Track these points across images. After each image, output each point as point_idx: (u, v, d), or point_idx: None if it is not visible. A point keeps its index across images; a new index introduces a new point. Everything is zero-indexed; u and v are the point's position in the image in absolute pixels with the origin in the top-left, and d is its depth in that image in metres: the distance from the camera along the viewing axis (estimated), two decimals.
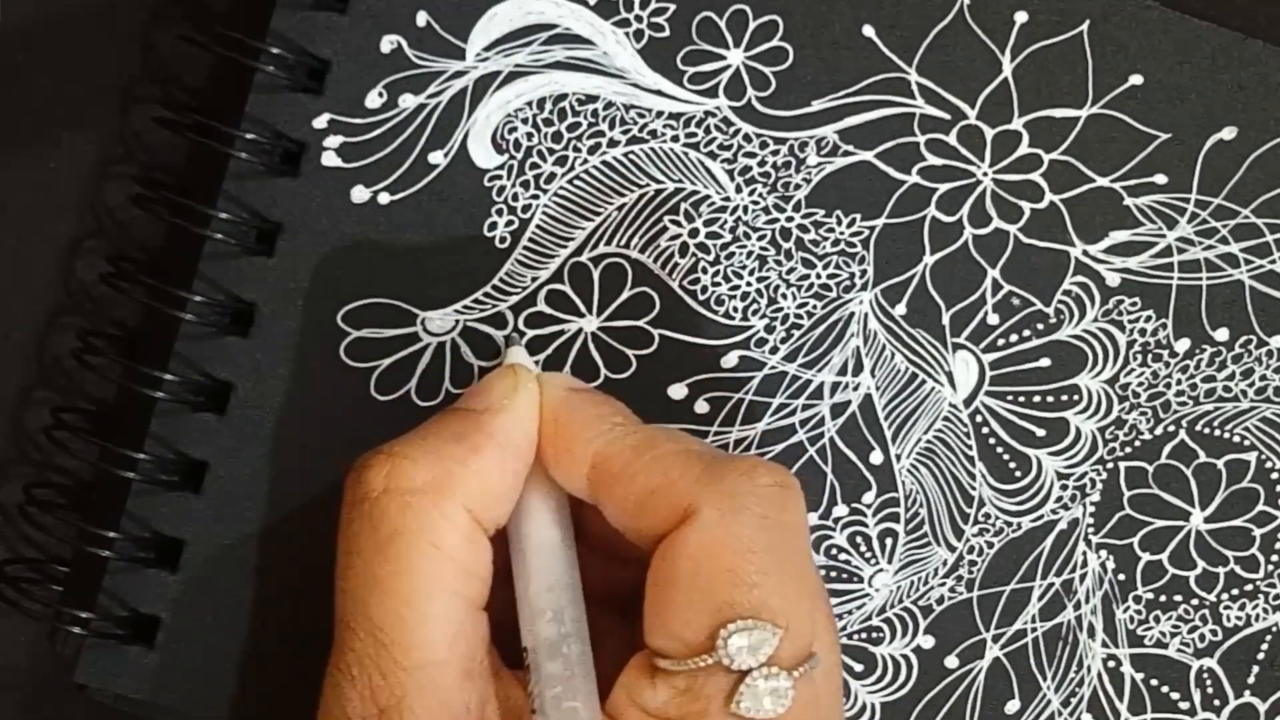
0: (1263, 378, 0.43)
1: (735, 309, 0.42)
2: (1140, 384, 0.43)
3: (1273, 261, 0.43)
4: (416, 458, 0.36)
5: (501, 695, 0.36)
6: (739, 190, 0.42)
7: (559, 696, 0.35)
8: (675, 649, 0.34)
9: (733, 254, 0.42)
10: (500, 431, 0.37)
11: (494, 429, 0.36)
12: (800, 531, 0.36)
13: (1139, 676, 0.43)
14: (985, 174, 0.42)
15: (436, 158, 0.41)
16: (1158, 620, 0.43)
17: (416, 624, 0.35)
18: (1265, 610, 0.43)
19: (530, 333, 0.41)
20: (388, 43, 0.41)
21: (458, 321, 0.41)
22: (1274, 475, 0.43)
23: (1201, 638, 0.43)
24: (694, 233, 0.42)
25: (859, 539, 0.43)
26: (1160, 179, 0.42)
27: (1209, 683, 0.44)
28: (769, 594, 0.34)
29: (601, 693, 0.36)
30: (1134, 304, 0.43)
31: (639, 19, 0.41)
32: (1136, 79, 0.42)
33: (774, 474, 0.35)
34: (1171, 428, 0.43)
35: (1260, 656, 0.44)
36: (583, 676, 0.36)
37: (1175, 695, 0.43)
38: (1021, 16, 0.42)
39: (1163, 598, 0.43)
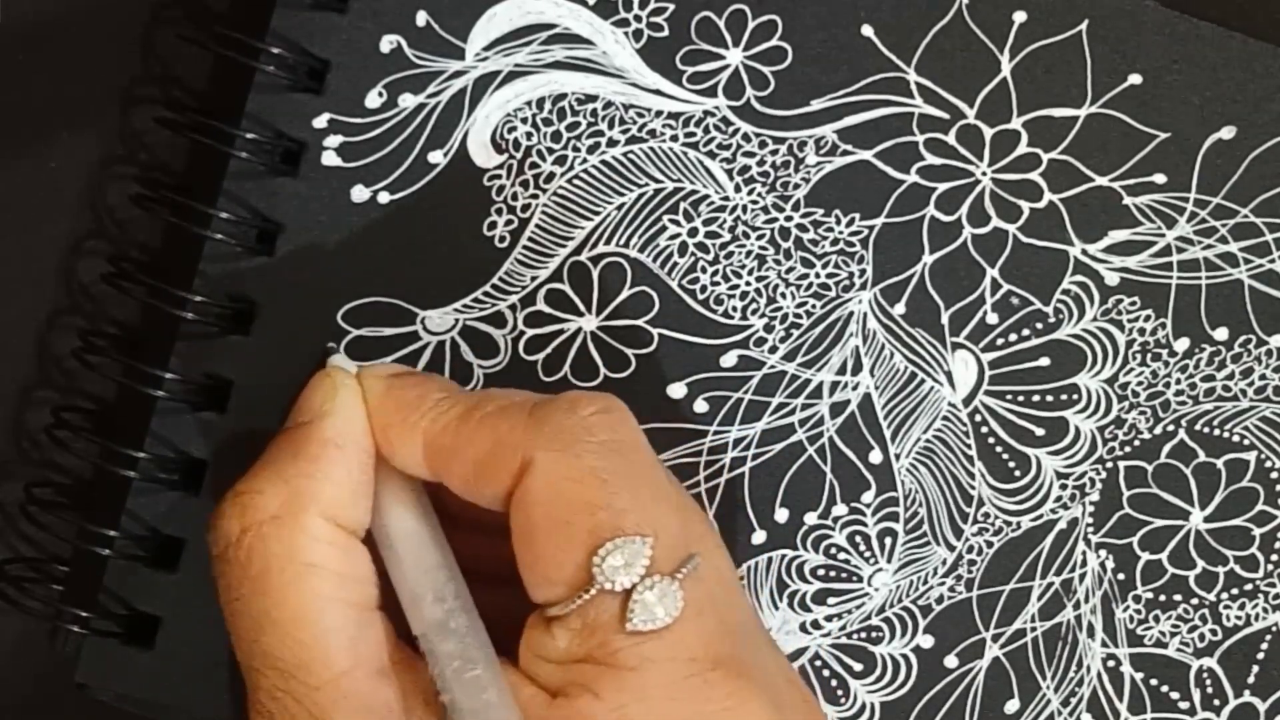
0: (1262, 377, 0.43)
1: (734, 308, 0.42)
2: (1140, 383, 0.43)
3: (1272, 261, 0.43)
4: (262, 488, 0.36)
5: (419, 685, 0.36)
6: (738, 190, 0.42)
7: (459, 670, 0.35)
8: (558, 593, 0.35)
9: (732, 253, 0.42)
10: (333, 434, 0.37)
11: (326, 434, 0.37)
12: (639, 447, 0.36)
13: (1139, 676, 0.43)
14: (984, 173, 0.42)
15: (436, 157, 0.41)
16: (1157, 620, 0.43)
17: (313, 643, 0.35)
18: (1265, 610, 0.43)
19: (530, 332, 0.42)
20: (387, 42, 0.41)
21: (457, 320, 0.41)
22: (1273, 475, 0.43)
23: (1201, 637, 0.43)
24: (693, 232, 0.42)
25: (858, 538, 0.43)
26: (1159, 178, 0.42)
27: (1209, 682, 0.44)
28: (627, 510, 0.34)
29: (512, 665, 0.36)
30: (1133, 303, 0.43)
31: (638, 19, 0.41)
32: (1135, 78, 0.42)
33: (595, 402, 0.36)
34: (1171, 427, 0.43)
35: (1260, 656, 0.44)
36: (477, 645, 0.36)
37: (1175, 695, 0.43)
38: (1020, 16, 0.42)
39: (1162, 597, 0.43)
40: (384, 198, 0.41)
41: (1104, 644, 0.43)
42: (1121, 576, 0.43)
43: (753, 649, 0.36)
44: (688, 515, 0.36)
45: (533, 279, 0.42)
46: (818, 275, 0.42)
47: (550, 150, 0.41)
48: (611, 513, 0.34)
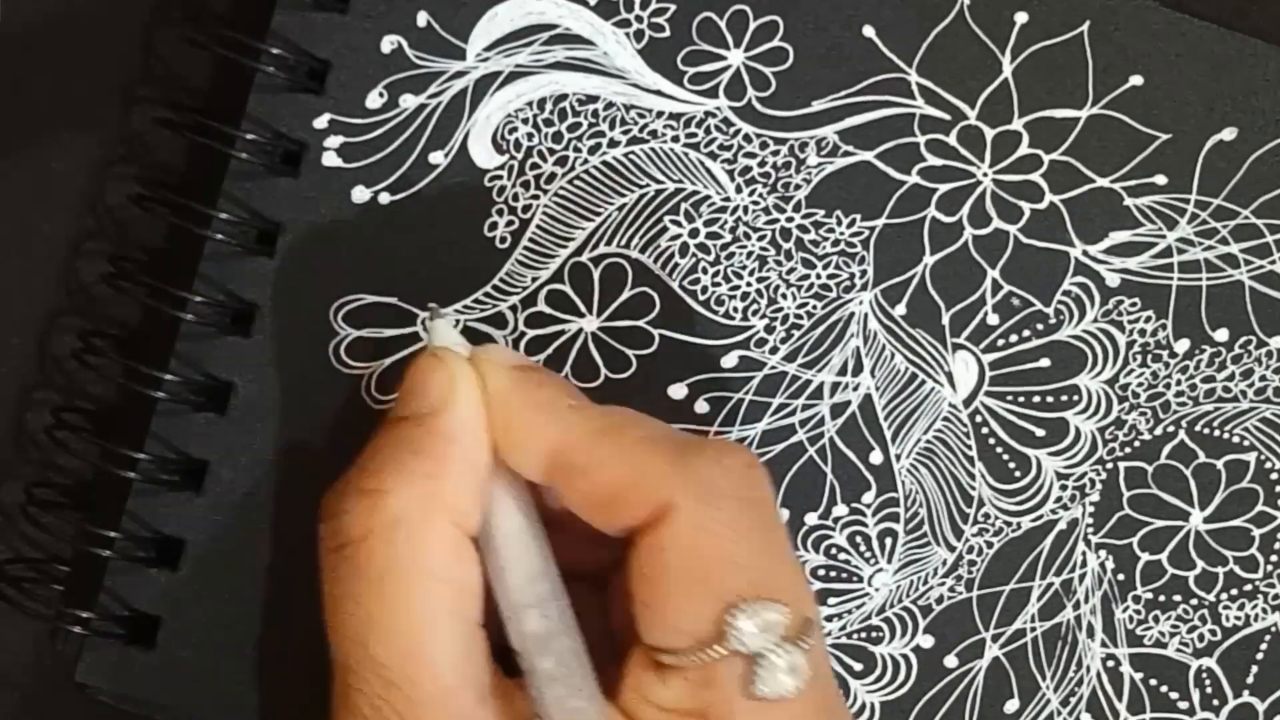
0: (1262, 378, 0.43)
1: (735, 309, 0.42)
2: (1140, 384, 0.43)
3: (1272, 262, 0.43)
4: (390, 488, 0.34)
5: (512, 711, 0.35)
6: (739, 190, 0.42)
7: (561, 697, 0.35)
8: (680, 642, 0.34)
9: (733, 254, 0.42)
10: (456, 433, 0.35)
11: (451, 429, 0.35)
12: (772, 506, 0.36)
13: (1138, 676, 0.44)
14: (985, 174, 0.42)
15: (437, 158, 0.41)
16: (1157, 620, 0.43)
17: (423, 656, 0.34)
18: (1264, 610, 0.44)
19: (531, 332, 0.42)
20: (388, 43, 0.41)
21: (458, 321, 0.41)
22: (1273, 475, 0.43)
23: (1200, 637, 0.44)
24: (694, 233, 0.42)
25: (859, 539, 0.43)
26: (1160, 179, 0.42)
27: (1208, 682, 0.44)
28: (764, 574, 0.34)
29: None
30: (1134, 304, 0.43)
31: (639, 19, 0.41)
32: (1137, 80, 0.42)
33: (740, 455, 0.35)
34: (1171, 428, 0.43)
35: (1259, 656, 0.44)
36: (581, 673, 0.35)
37: (1174, 695, 0.44)
38: (1022, 17, 0.42)
39: (1162, 598, 0.43)
40: (385, 198, 0.41)
41: (1103, 644, 0.43)
42: (1121, 577, 0.43)
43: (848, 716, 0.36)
44: (801, 575, 0.36)
45: (533, 280, 0.42)
46: (819, 276, 0.42)
47: (551, 151, 0.41)
48: (750, 573, 0.34)
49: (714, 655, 0.33)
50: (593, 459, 0.35)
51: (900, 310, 0.42)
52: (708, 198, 0.42)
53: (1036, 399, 0.43)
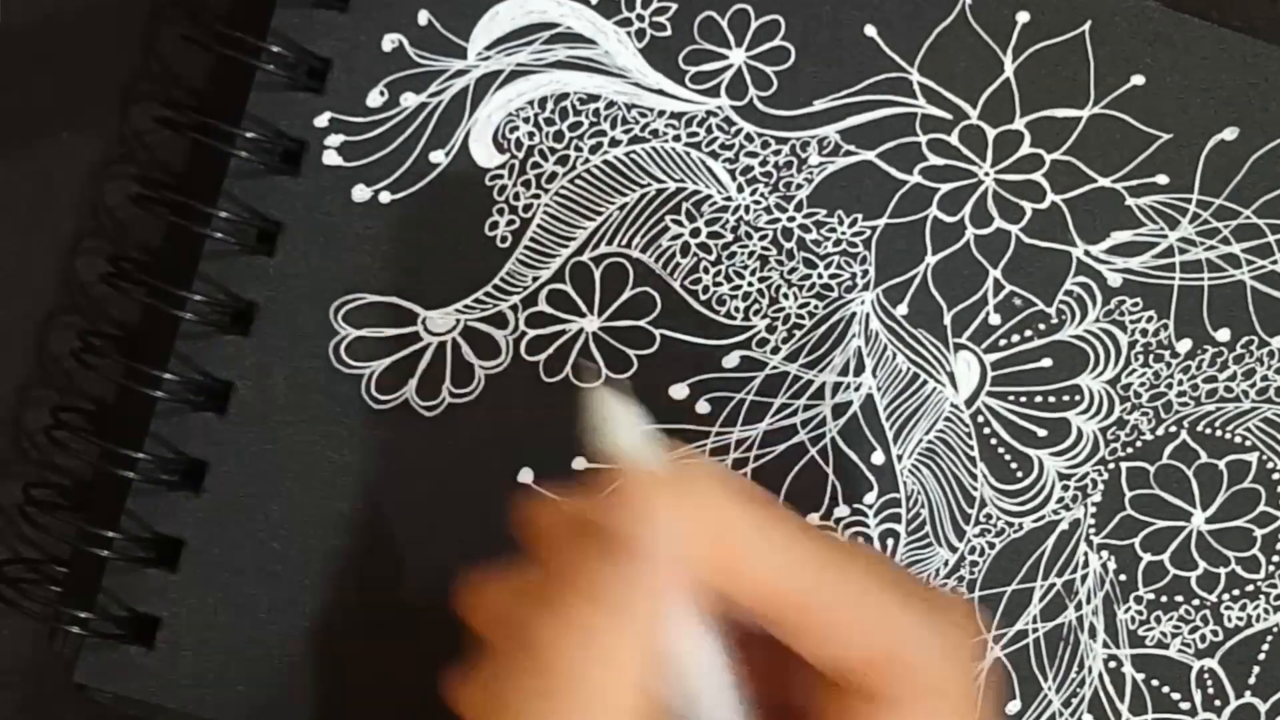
0: (1264, 378, 0.43)
1: (737, 309, 0.42)
2: (1142, 384, 0.43)
3: (1274, 262, 0.43)
4: (600, 627, 0.31)
5: None
6: (741, 190, 0.42)
7: None
8: None
9: (734, 254, 0.42)
10: (666, 579, 0.31)
11: (657, 579, 0.31)
12: None
13: (1140, 677, 0.43)
14: (987, 174, 0.42)
15: (438, 157, 0.41)
16: (1159, 621, 0.43)
17: None
18: (1266, 611, 0.43)
19: (531, 332, 0.41)
20: (389, 41, 0.41)
21: (458, 321, 0.41)
22: (1275, 476, 0.43)
23: (1202, 638, 0.43)
24: (695, 232, 0.42)
25: (860, 539, 0.43)
26: (1162, 179, 0.42)
27: (1210, 683, 0.43)
28: None
29: None
30: (1135, 304, 0.43)
31: (640, 18, 0.41)
32: (1138, 79, 0.42)
33: (970, 616, 0.34)
34: (1173, 428, 0.43)
35: (1261, 657, 0.44)
36: None
37: (1176, 696, 0.43)
38: (1023, 16, 0.42)
39: (1164, 598, 0.43)
40: (385, 197, 0.41)
41: (1105, 645, 0.43)
42: (1123, 577, 0.43)
43: None
44: None
45: (534, 279, 0.41)
46: (820, 276, 0.42)
47: (552, 150, 0.41)
48: None
49: None
50: (841, 616, 0.32)
51: (902, 310, 0.42)
52: (709, 197, 0.42)
53: (1038, 399, 0.43)
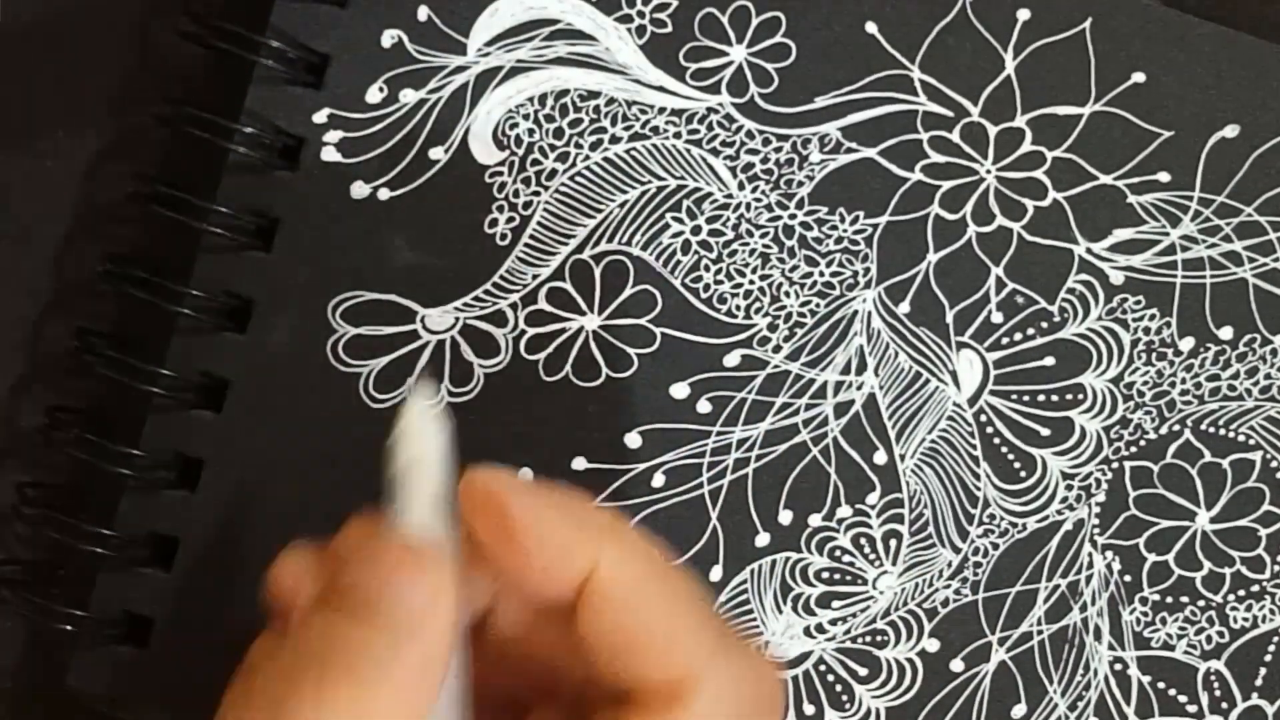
0: (1267, 376, 0.43)
1: (738, 307, 0.42)
2: (1145, 383, 0.43)
3: (1276, 259, 0.43)
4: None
5: None
6: (742, 187, 0.42)
7: None
8: None
9: (735, 251, 0.42)
10: (426, 665, 0.29)
11: (415, 663, 0.29)
12: None
13: (1146, 679, 0.43)
14: (988, 171, 0.42)
15: (437, 153, 0.41)
16: (1164, 622, 0.43)
17: None
18: (1272, 611, 0.43)
19: (531, 331, 0.41)
20: (388, 37, 0.40)
21: (457, 319, 0.41)
22: (1279, 475, 0.43)
23: (1208, 639, 0.43)
24: (696, 230, 0.42)
25: (863, 540, 0.42)
26: (1163, 177, 0.42)
27: (1216, 685, 0.43)
28: None
29: None
30: (1138, 302, 0.42)
31: (641, 14, 0.41)
32: (1139, 77, 0.42)
33: (776, 673, 0.33)
34: (1176, 427, 0.43)
35: (1267, 658, 0.43)
36: None
37: (1183, 698, 0.43)
38: (1024, 14, 0.42)
39: (1169, 599, 0.43)
40: (384, 194, 0.41)
41: (1111, 647, 0.43)
42: (1128, 578, 0.43)
43: None
44: None
45: (534, 277, 0.41)
46: (822, 274, 0.42)
47: (552, 147, 0.41)
48: None
49: None
50: (630, 602, 0.31)
51: (904, 308, 0.42)
52: (710, 194, 0.42)
53: (1041, 398, 0.42)
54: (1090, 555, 0.43)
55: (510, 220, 0.41)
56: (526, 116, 0.41)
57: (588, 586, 0.31)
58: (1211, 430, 0.43)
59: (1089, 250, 0.42)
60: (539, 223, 0.41)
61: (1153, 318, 0.43)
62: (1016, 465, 0.43)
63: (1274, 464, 0.43)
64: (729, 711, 0.31)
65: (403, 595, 0.29)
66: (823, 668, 0.43)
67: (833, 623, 0.43)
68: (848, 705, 0.43)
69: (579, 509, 0.32)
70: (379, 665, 0.28)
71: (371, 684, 0.28)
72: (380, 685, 0.28)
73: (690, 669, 0.31)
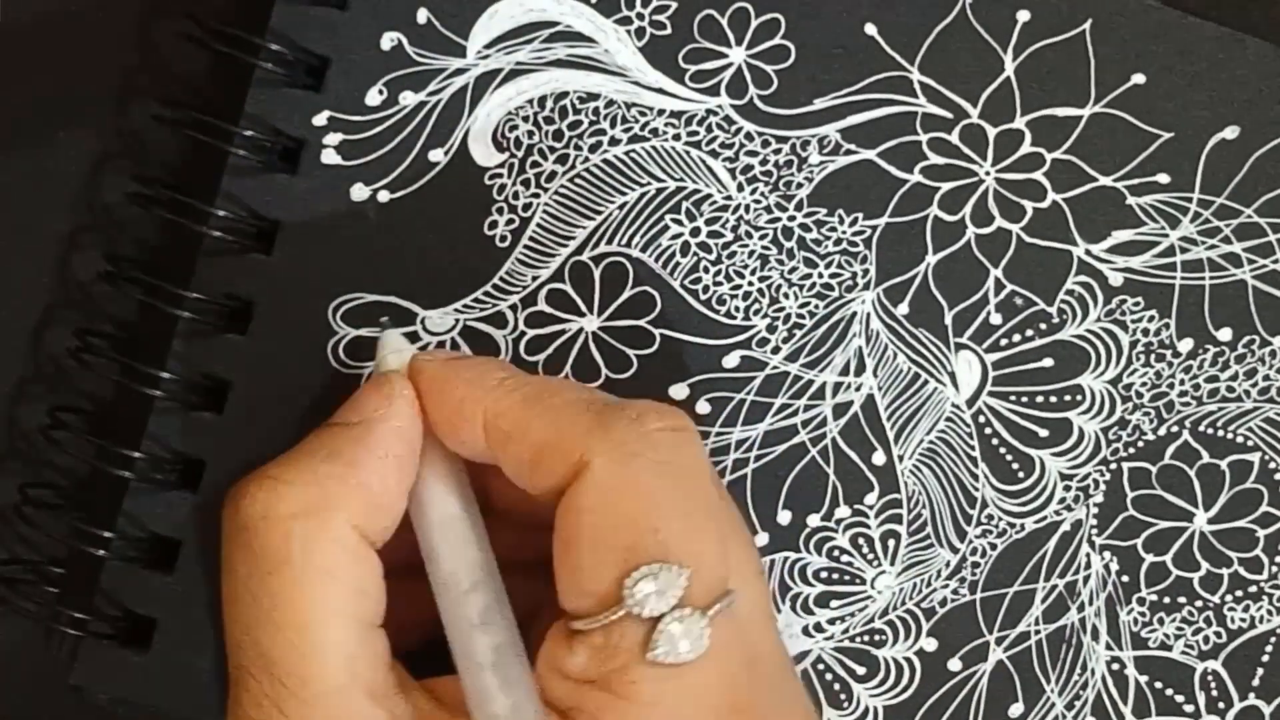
0: (1266, 378, 0.43)
1: (737, 308, 0.42)
2: (1143, 384, 0.43)
3: (1276, 261, 0.43)
4: (293, 480, 0.35)
5: (411, 710, 0.35)
6: (741, 189, 0.42)
7: (491, 686, 0.34)
8: (587, 606, 0.34)
9: (734, 253, 0.42)
10: (377, 443, 0.36)
11: (370, 441, 0.36)
12: (699, 472, 0.35)
13: (1143, 679, 0.43)
14: (988, 173, 0.42)
15: (437, 156, 0.41)
16: (1162, 622, 0.43)
17: (313, 654, 0.34)
18: (1270, 612, 0.43)
19: (531, 332, 0.41)
20: (388, 40, 0.40)
21: (457, 321, 0.41)
22: (1278, 476, 0.43)
23: (1206, 640, 0.43)
24: (695, 231, 0.42)
25: (861, 540, 0.43)
26: (1163, 178, 0.42)
27: (1213, 685, 0.43)
28: (672, 536, 0.33)
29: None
30: (1137, 304, 0.43)
31: (640, 16, 0.41)
32: (1139, 78, 0.42)
33: (665, 417, 0.35)
34: (1175, 428, 0.43)
35: (1265, 659, 0.43)
36: (514, 661, 0.35)
37: (1180, 698, 0.43)
38: (1024, 15, 0.42)
39: (1166, 599, 0.43)
40: (384, 196, 0.41)
41: (1108, 647, 0.43)
42: (1126, 579, 0.43)
43: (777, 691, 0.35)
44: (734, 544, 0.35)
45: (534, 279, 0.41)
46: (820, 275, 0.42)
47: (552, 149, 0.41)
48: (655, 536, 0.33)
49: (611, 617, 0.33)
50: (520, 424, 0.35)
51: (903, 310, 0.42)
52: (709, 196, 0.42)
53: (1040, 399, 0.43)
54: (1088, 556, 0.43)
55: (510, 222, 0.41)
56: (526, 119, 0.41)
57: (485, 429, 0.35)
58: (1210, 431, 0.43)
59: (1088, 252, 0.42)
60: (538, 224, 0.41)
61: (1152, 319, 0.43)
62: (1015, 466, 0.43)
63: (1272, 465, 0.43)
64: (621, 471, 0.34)
65: (360, 403, 0.36)
66: (821, 667, 0.43)
67: (831, 622, 0.43)
68: (846, 704, 0.43)
69: (464, 367, 0.37)
70: (344, 449, 0.35)
71: (341, 462, 0.35)
72: (344, 464, 0.35)
73: (577, 452, 0.34)
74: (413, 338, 0.41)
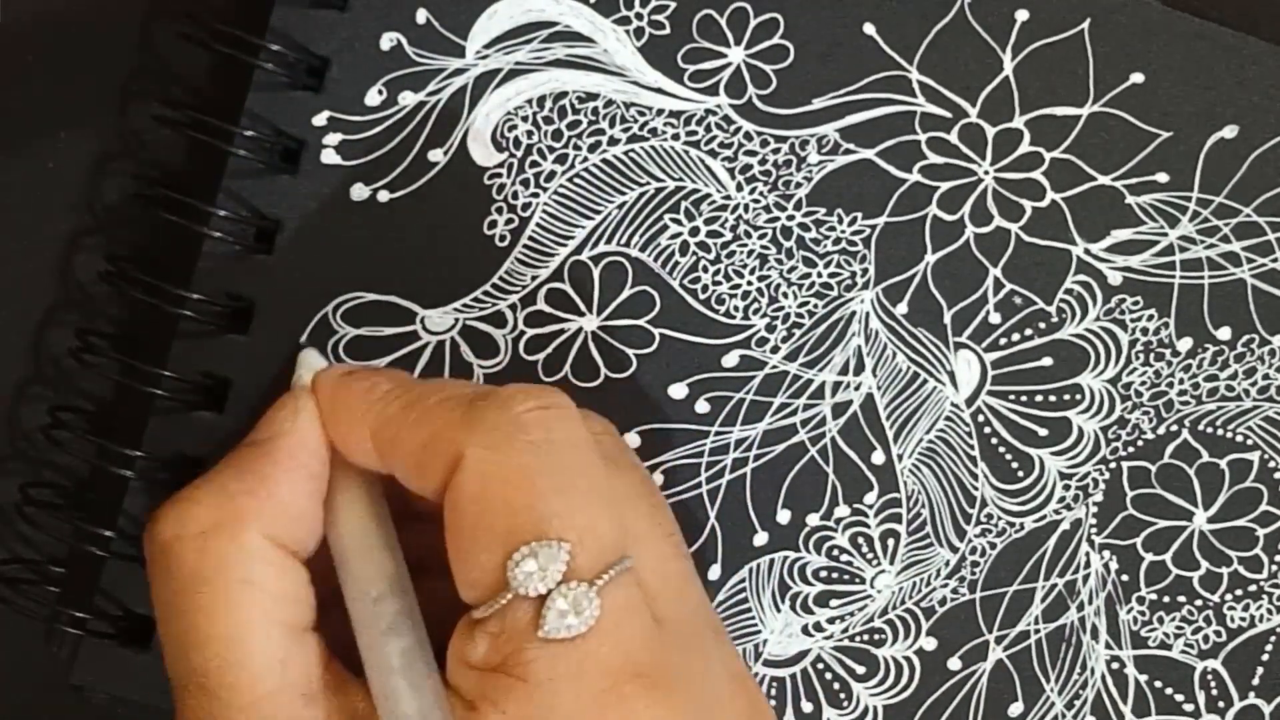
0: (1265, 376, 0.43)
1: (736, 308, 0.42)
2: (1143, 383, 0.43)
3: (1274, 260, 0.43)
4: (200, 499, 0.35)
5: (348, 708, 0.35)
6: (740, 188, 0.42)
7: (400, 689, 0.34)
8: (479, 595, 0.34)
9: (733, 252, 0.42)
10: (285, 455, 0.36)
11: (278, 454, 0.36)
12: (578, 446, 0.35)
13: (1143, 678, 0.43)
14: (986, 172, 0.42)
15: (436, 155, 0.41)
16: (1161, 621, 0.43)
17: (239, 662, 0.34)
18: (1269, 611, 0.43)
19: (530, 331, 0.41)
20: (387, 40, 0.41)
21: (457, 320, 0.41)
22: (1277, 475, 0.43)
23: (1205, 639, 0.43)
24: (695, 231, 0.42)
25: (861, 540, 0.43)
26: (1162, 177, 0.42)
27: (1213, 684, 0.43)
28: (550, 513, 0.33)
29: None
30: (1136, 303, 0.43)
31: (639, 16, 0.41)
32: (1137, 77, 0.42)
33: (533, 397, 0.35)
34: (1174, 427, 0.43)
35: (1264, 658, 0.43)
36: (423, 664, 0.35)
37: (1179, 697, 0.43)
38: (1023, 14, 0.42)
39: (1166, 599, 0.43)
40: (384, 196, 0.41)
41: (1108, 646, 0.43)
42: (1125, 578, 0.43)
43: (690, 651, 0.35)
44: (632, 512, 0.35)
45: (533, 278, 0.41)
46: (820, 275, 0.42)
47: (551, 149, 0.41)
48: (532, 515, 0.33)
49: (501, 602, 0.33)
50: (401, 429, 0.35)
51: (902, 309, 0.42)
52: (708, 196, 0.42)
53: (1039, 398, 0.43)
54: (1088, 555, 0.43)
55: (509, 222, 0.41)
56: (525, 118, 0.41)
57: (374, 440, 0.36)
58: (1209, 430, 0.43)
59: (1087, 251, 0.42)
60: (538, 224, 0.41)
61: (1151, 318, 0.43)
62: (1014, 465, 0.43)
63: (1271, 464, 0.43)
64: (493, 456, 0.34)
65: (267, 421, 0.37)
66: (821, 666, 0.43)
67: (830, 621, 0.43)
68: (845, 703, 0.43)
69: (356, 380, 0.37)
70: (252, 465, 0.36)
71: (250, 477, 0.36)
72: (253, 479, 0.36)
73: (453, 447, 0.34)
74: (412, 337, 0.41)
